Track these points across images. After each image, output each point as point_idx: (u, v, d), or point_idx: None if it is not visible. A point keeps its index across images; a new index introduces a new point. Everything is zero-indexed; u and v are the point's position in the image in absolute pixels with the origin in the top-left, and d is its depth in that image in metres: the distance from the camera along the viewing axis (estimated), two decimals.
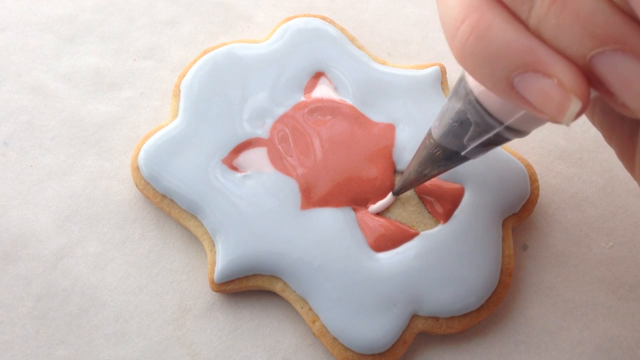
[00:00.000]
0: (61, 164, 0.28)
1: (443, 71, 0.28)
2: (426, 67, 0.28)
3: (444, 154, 0.21)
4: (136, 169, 0.26)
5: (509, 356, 0.25)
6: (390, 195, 0.25)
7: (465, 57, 0.15)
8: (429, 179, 0.23)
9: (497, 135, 0.18)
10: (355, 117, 0.27)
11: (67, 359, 0.25)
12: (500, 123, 0.18)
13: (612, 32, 0.13)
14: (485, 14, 0.15)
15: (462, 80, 0.19)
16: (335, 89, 0.28)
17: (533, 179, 0.27)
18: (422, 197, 0.26)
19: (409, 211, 0.26)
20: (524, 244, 0.27)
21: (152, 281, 0.26)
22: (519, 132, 0.18)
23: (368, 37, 0.31)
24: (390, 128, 0.27)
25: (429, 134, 0.21)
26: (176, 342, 0.25)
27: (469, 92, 0.18)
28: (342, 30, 0.29)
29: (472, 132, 0.19)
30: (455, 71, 0.29)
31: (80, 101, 0.29)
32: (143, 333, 0.25)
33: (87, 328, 0.25)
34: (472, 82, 0.18)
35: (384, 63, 0.29)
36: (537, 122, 0.18)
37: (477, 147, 0.19)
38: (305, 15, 0.29)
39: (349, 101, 0.27)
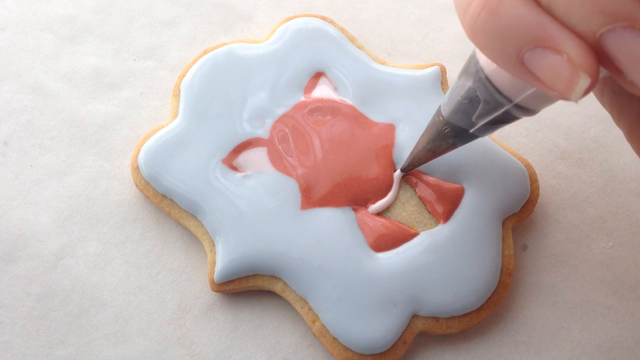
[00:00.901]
0: (61, 164, 0.28)
1: (443, 71, 0.28)
2: (426, 67, 0.28)
3: (452, 131, 0.21)
4: (136, 169, 0.26)
5: (509, 356, 0.25)
6: (390, 195, 0.25)
7: (476, 33, 0.16)
8: (437, 156, 0.23)
9: (506, 113, 0.18)
10: (355, 117, 0.27)
11: (67, 359, 0.25)
12: (510, 101, 0.18)
13: (623, 9, 0.13)
14: None
15: (472, 57, 0.19)
16: (335, 89, 0.28)
17: (533, 179, 0.27)
18: (422, 197, 0.26)
19: (409, 211, 0.26)
20: (524, 244, 0.27)
21: (152, 281, 0.26)
22: (528, 111, 0.18)
23: (368, 37, 0.31)
24: (390, 128, 0.27)
25: (438, 112, 0.22)
26: (176, 342, 0.25)
27: (479, 70, 0.18)
28: (342, 30, 0.29)
29: (481, 110, 0.19)
30: (455, 71, 0.29)
31: (80, 101, 0.29)
32: (143, 333, 0.25)
33: (87, 328, 0.25)
34: (482, 60, 0.18)
35: (384, 63, 0.29)
36: (547, 100, 0.18)
37: (485, 124, 0.19)
38: (305, 15, 0.29)
39: (349, 101, 0.27)
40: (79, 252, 0.26)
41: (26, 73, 0.29)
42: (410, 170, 0.26)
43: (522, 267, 0.26)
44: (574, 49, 0.14)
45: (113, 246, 0.26)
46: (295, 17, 0.29)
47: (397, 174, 0.26)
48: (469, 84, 0.19)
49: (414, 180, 0.26)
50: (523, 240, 0.27)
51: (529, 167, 0.27)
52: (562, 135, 0.29)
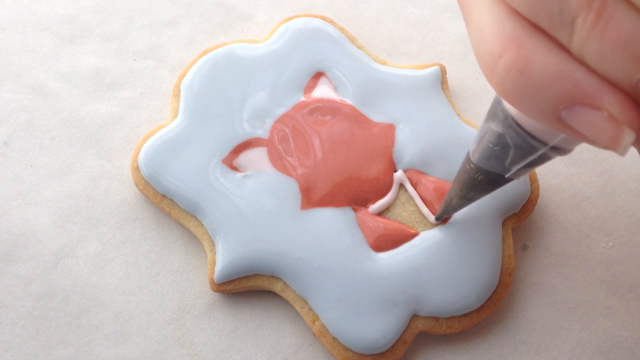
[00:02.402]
0: (61, 164, 0.28)
1: (443, 71, 0.28)
2: (426, 67, 0.28)
3: (486, 178, 0.20)
4: (136, 169, 0.26)
5: (509, 356, 0.25)
6: (390, 195, 0.25)
7: (507, 92, 0.15)
8: (472, 202, 0.23)
9: (542, 155, 0.18)
10: (355, 117, 0.27)
11: (67, 359, 0.25)
12: (545, 144, 0.17)
13: None
14: (523, 45, 0.14)
15: (498, 103, 0.18)
16: (335, 89, 0.28)
17: (533, 179, 0.27)
18: (422, 197, 0.26)
19: (409, 211, 0.26)
20: (524, 244, 0.27)
21: (152, 281, 0.26)
22: (564, 151, 0.17)
23: (368, 37, 0.31)
24: (390, 128, 0.27)
25: (468, 159, 0.21)
26: (176, 342, 0.25)
27: (507, 116, 0.17)
28: (342, 30, 0.29)
29: (515, 155, 0.18)
30: (455, 71, 0.29)
31: (80, 101, 0.29)
32: (143, 333, 0.25)
33: (87, 328, 0.25)
34: (509, 106, 0.17)
35: (384, 63, 0.29)
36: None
37: (521, 167, 0.19)
38: (305, 15, 0.29)
39: (349, 101, 0.27)
40: (79, 252, 0.26)
41: (26, 73, 0.29)
42: (443, 218, 0.25)
43: (522, 267, 0.26)
44: (613, 104, 0.14)
45: (113, 246, 0.26)
46: (295, 17, 0.29)
47: (398, 174, 0.26)
48: (498, 130, 0.18)
49: (414, 180, 0.26)
50: (523, 240, 0.27)
51: None
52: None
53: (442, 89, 0.28)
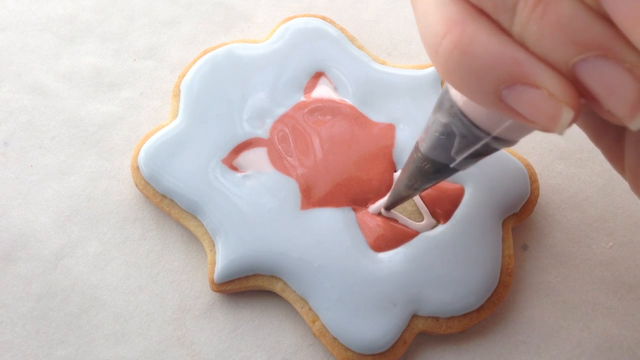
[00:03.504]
0: (61, 164, 0.28)
1: None
2: (426, 67, 0.28)
3: (433, 167, 0.20)
4: (136, 169, 0.26)
5: (509, 356, 0.25)
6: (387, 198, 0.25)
7: (449, 73, 0.15)
8: (419, 192, 0.23)
9: (485, 145, 0.18)
10: (355, 117, 0.27)
11: (67, 359, 0.25)
12: (488, 134, 0.17)
13: (593, 38, 0.13)
14: (466, 27, 0.14)
15: (445, 92, 0.18)
16: (335, 89, 0.28)
17: (533, 179, 0.27)
18: (422, 197, 0.26)
19: (409, 211, 0.26)
20: (524, 244, 0.27)
21: (152, 281, 0.26)
22: (507, 142, 0.18)
23: (368, 37, 0.31)
24: (390, 128, 0.27)
25: (416, 148, 0.21)
26: (176, 342, 0.25)
27: (453, 104, 0.18)
28: (342, 30, 0.29)
29: (459, 144, 0.18)
30: None
31: (80, 101, 0.29)
32: (143, 333, 0.25)
33: (87, 328, 0.25)
34: (455, 94, 0.18)
35: (384, 63, 0.29)
36: (525, 130, 0.17)
37: (465, 158, 0.19)
38: (305, 15, 0.29)
39: (349, 101, 0.27)
40: (79, 252, 0.26)
41: (26, 73, 0.29)
42: (393, 208, 0.25)
43: (522, 267, 0.27)
44: (553, 83, 0.14)
45: (113, 246, 0.26)
46: (295, 17, 0.29)
47: (398, 174, 0.26)
48: (443, 119, 0.18)
49: None
50: (523, 240, 0.27)
51: (529, 167, 0.27)
52: (562, 136, 0.29)
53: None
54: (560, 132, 0.14)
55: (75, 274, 0.26)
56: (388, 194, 0.25)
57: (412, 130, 0.27)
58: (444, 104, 0.18)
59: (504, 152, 0.27)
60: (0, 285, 0.26)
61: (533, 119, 0.14)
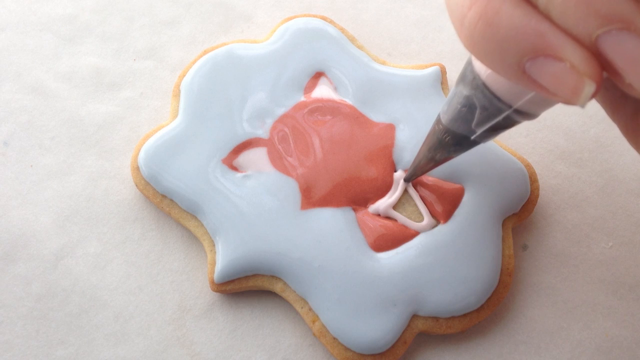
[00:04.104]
0: (61, 164, 0.28)
1: (443, 71, 0.28)
2: (426, 67, 0.28)
3: (453, 139, 0.21)
4: (136, 169, 0.26)
5: (509, 356, 0.25)
6: (395, 195, 0.25)
7: (474, 44, 0.15)
8: (439, 164, 0.23)
9: (506, 118, 0.18)
10: (355, 117, 0.27)
11: (67, 359, 0.25)
12: (509, 106, 0.18)
13: (617, 11, 0.13)
14: None
15: (469, 64, 0.18)
16: (335, 89, 0.28)
17: (533, 179, 0.27)
18: (422, 197, 0.26)
19: (409, 211, 0.26)
20: (524, 244, 0.27)
21: (152, 281, 0.26)
22: (529, 115, 0.18)
23: (368, 37, 0.31)
24: (390, 128, 0.27)
25: (438, 120, 0.21)
26: (176, 342, 0.25)
27: (476, 77, 0.18)
28: (342, 30, 0.29)
29: (481, 116, 0.19)
30: (455, 71, 0.29)
31: (80, 101, 0.29)
32: (143, 333, 0.25)
33: (87, 328, 0.25)
34: (479, 67, 0.18)
35: (384, 63, 0.29)
36: (547, 103, 0.17)
37: (486, 131, 0.19)
38: (305, 15, 0.29)
39: (349, 101, 0.27)
40: (79, 252, 0.26)
41: (26, 73, 0.29)
42: (414, 180, 0.25)
43: (522, 267, 0.26)
44: (576, 56, 0.14)
45: (113, 246, 0.26)
46: (295, 17, 0.29)
47: (398, 174, 0.26)
48: (466, 91, 0.19)
49: (414, 180, 0.26)
50: (523, 240, 0.27)
51: (529, 167, 0.27)
52: (562, 135, 0.29)
53: (442, 89, 0.28)
54: (582, 105, 0.15)
55: (75, 274, 0.26)
56: (410, 166, 0.25)
57: (412, 130, 0.27)
58: (467, 76, 0.18)
59: (504, 152, 0.27)
60: (0, 285, 0.26)
61: (555, 91, 0.15)
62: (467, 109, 0.19)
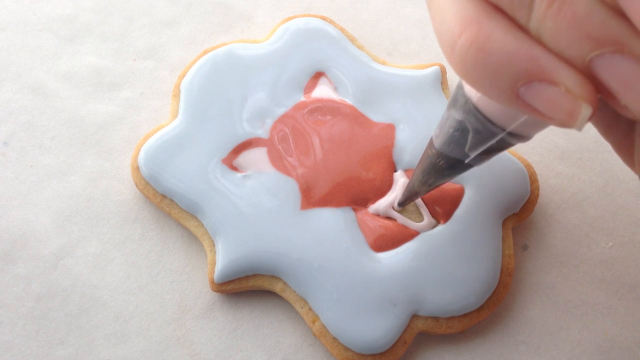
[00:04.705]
0: (61, 164, 0.28)
1: (443, 71, 0.28)
2: (426, 67, 0.28)
3: (447, 163, 0.20)
4: (136, 169, 0.26)
5: (509, 356, 0.25)
6: (391, 200, 0.25)
7: (466, 71, 0.15)
8: (433, 189, 0.23)
9: (500, 141, 0.18)
10: (355, 117, 0.27)
11: (67, 359, 0.25)
12: (503, 129, 0.17)
13: (609, 34, 0.13)
14: (483, 24, 0.14)
15: (459, 88, 0.18)
16: (335, 89, 0.28)
17: (533, 179, 0.27)
18: (422, 197, 0.26)
19: (409, 211, 0.26)
20: (524, 244, 0.27)
21: (152, 281, 0.26)
22: (522, 137, 0.18)
23: (368, 37, 0.31)
24: (390, 128, 0.27)
25: (430, 144, 0.21)
26: (176, 342, 0.25)
27: (467, 100, 0.18)
28: (342, 30, 0.29)
29: (474, 140, 0.18)
30: None
31: (80, 101, 0.29)
32: (143, 333, 0.25)
33: (87, 328, 0.25)
34: (470, 90, 0.18)
35: (384, 63, 0.29)
36: (541, 125, 0.17)
37: (480, 154, 0.19)
38: (305, 15, 0.29)
39: (349, 101, 0.27)
40: (79, 252, 0.26)
41: (26, 73, 0.29)
42: (407, 204, 0.25)
43: (522, 267, 0.26)
44: (570, 79, 0.14)
45: (113, 246, 0.26)
46: (295, 17, 0.29)
47: (398, 174, 0.26)
48: (457, 115, 0.18)
49: None
50: (523, 240, 0.27)
51: (529, 167, 0.27)
52: (562, 135, 0.29)
53: (442, 89, 0.28)
54: (579, 128, 0.14)
55: (75, 274, 0.26)
56: (404, 191, 0.25)
57: (412, 130, 0.27)
58: (459, 100, 0.18)
59: (504, 152, 0.27)
60: (0, 285, 0.26)
61: (551, 115, 0.14)
62: (460, 132, 0.19)
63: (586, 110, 0.14)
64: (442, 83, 0.28)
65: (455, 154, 0.20)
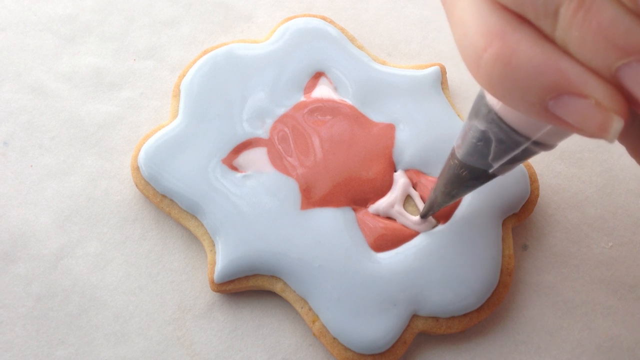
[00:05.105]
0: (61, 164, 0.28)
1: (443, 71, 0.28)
2: (426, 67, 0.28)
3: (470, 174, 0.20)
4: (136, 169, 0.26)
5: (509, 356, 0.25)
6: (394, 195, 0.25)
7: (493, 86, 0.15)
8: (455, 199, 0.23)
9: (525, 150, 0.18)
10: (355, 117, 0.27)
11: (67, 359, 0.25)
12: (527, 139, 0.17)
13: (635, 43, 0.13)
14: (508, 38, 0.14)
15: (481, 98, 0.18)
16: (335, 89, 0.28)
17: (533, 179, 0.27)
18: (422, 197, 0.26)
19: (409, 211, 0.26)
20: (524, 244, 0.27)
21: (152, 281, 0.26)
22: (546, 146, 0.17)
23: (368, 37, 0.31)
24: (390, 128, 0.27)
25: (453, 154, 0.21)
26: (176, 342, 0.25)
27: (490, 111, 0.17)
28: (342, 30, 0.29)
29: (498, 150, 0.18)
30: (455, 71, 0.29)
31: (80, 101, 0.29)
32: (143, 333, 0.25)
33: (87, 328, 0.25)
34: (492, 100, 0.17)
35: (384, 63, 0.29)
36: (566, 134, 0.17)
37: (504, 163, 0.19)
38: (305, 15, 0.29)
39: (349, 101, 0.27)
40: (79, 252, 0.26)
41: (26, 73, 0.29)
42: (429, 216, 0.25)
43: (522, 267, 0.26)
44: (600, 92, 0.14)
45: (113, 246, 0.26)
46: (295, 17, 0.29)
47: (398, 174, 0.26)
48: (480, 125, 0.18)
49: (414, 180, 0.26)
50: (523, 240, 0.27)
51: (528, 167, 0.27)
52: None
53: (442, 89, 0.28)
54: (611, 141, 0.14)
55: (75, 274, 0.26)
56: (426, 202, 0.24)
57: (412, 130, 0.27)
58: (481, 110, 0.18)
59: None
60: (0, 285, 0.26)
61: (582, 127, 0.14)
62: (483, 142, 0.18)
63: (618, 122, 0.14)
64: (442, 83, 0.28)
65: (478, 164, 0.19)
